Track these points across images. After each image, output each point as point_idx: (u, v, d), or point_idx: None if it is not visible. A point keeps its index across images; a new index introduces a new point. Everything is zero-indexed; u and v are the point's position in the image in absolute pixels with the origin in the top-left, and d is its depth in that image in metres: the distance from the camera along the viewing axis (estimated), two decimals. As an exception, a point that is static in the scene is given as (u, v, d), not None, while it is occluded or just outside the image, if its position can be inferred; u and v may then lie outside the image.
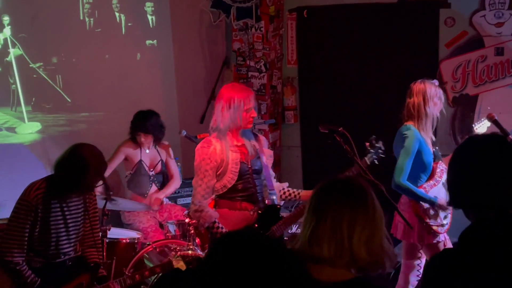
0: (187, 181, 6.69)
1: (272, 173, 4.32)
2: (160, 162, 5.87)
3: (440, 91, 4.53)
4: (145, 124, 5.70)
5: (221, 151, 4.01)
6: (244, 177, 4.08)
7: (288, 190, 4.30)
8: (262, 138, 4.33)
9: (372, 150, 4.18)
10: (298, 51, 7.42)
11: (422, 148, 4.39)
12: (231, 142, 4.07)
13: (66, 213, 4.01)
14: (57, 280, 3.98)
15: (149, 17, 7.13)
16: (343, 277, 2.10)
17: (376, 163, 4.18)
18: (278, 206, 4.17)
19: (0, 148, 6.01)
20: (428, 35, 6.71)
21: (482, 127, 4.85)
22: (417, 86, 4.49)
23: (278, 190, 4.29)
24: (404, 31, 6.79)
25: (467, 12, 6.54)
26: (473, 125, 4.98)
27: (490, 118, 4.78)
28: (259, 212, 4.10)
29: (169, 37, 7.29)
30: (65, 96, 6.41)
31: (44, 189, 3.94)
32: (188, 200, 6.31)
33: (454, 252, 2.10)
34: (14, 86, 6.09)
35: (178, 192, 6.45)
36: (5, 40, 6.01)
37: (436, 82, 4.59)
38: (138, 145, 5.77)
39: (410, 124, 4.43)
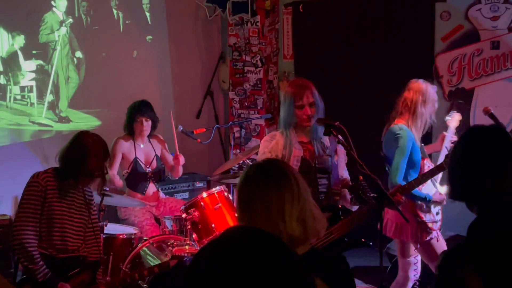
0: (183, 176, 6.69)
1: (344, 174, 4.19)
2: (155, 157, 5.83)
3: (436, 96, 4.48)
4: (147, 108, 5.69)
5: (283, 146, 3.97)
6: (306, 174, 3.91)
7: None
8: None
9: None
10: (294, 46, 7.41)
11: (413, 147, 4.36)
12: (295, 138, 4.00)
13: (71, 205, 4.02)
14: (59, 277, 3.97)
15: (147, 14, 7.13)
16: (300, 251, 2.14)
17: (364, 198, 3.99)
18: (340, 206, 4.01)
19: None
20: (423, 29, 6.70)
21: (452, 119, 4.77)
22: (418, 84, 4.41)
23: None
24: (400, 25, 6.79)
25: (462, 6, 6.53)
26: (445, 118, 4.91)
27: (486, 112, 4.77)
28: None
29: (165, 32, 7.28)
30: (61, 93, 6.40)
31: (51, 175, 3.98)
32: (185, 195, 6.29)
33: (465, 245, 2.09)
34: (9, 83, 6.08)
35: (175, 187, 6.44)
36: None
37: (435, 87, 4.54)
38: (132, 140, 5.72)
39: (401, 123, 4.36)
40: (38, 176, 3.97)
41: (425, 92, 4.38)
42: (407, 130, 4.33)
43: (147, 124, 5.68)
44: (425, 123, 4.41)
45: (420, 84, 4.43)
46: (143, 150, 5.78)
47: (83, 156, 3.90)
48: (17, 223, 3.91)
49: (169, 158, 5.94)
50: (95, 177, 4.03)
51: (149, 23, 7.15)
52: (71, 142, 4.01)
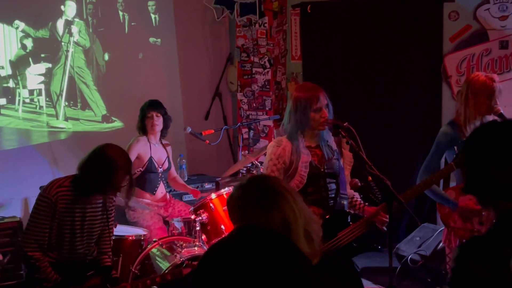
0: (192, 178, 6.70)
1: (348, 178, 4.11)
2: (167, 159, 5.88)
3: None
4: (158, 104, 5.77)
5: (291, 152, 3.86)
6: (316, 180, 3.90)
7: (356, 200, 4.09)
8: (343, 140, 4.06)
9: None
10: (302, 47, 7.41)
11: None
12: (303, 144, 3.90)
13: (85, 214, 3.99)
14: (69, 281, 3.97)
15: (152, 16, 7.14)
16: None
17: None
18: (348, 211, 3.96)
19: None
20: (432, 29, 6.68)
21: None
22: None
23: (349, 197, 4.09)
24: (408, 25, 6.77)
25: (471, 5, 6.51)
26: None
27: (495, 112, 4.75)
28: (326, 217, 3.83)
29: (173, 34, 7.30)
30: (67, 96, 6.42)
31: (66, 188, 3.92)
32: (192, 197, 6.30)
33: (483, 238, 2.08)
34: (18, 86, 6.10)
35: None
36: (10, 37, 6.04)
37: None
38: (147, 140, 5.75)
39: None
40: (50, 192, 3.89)
41: None
42: None
43: (157, 119, 5.73)
44: None
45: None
46: (157, 150, 5.81)
47: (111, 172, 3.81)
48: (25, 234, 3.93)
49: (172, 167, 6.00)
50: (122, 188, 4.00)
51: (156, 24, 7.16)
52: (94, 156, 3.89)
